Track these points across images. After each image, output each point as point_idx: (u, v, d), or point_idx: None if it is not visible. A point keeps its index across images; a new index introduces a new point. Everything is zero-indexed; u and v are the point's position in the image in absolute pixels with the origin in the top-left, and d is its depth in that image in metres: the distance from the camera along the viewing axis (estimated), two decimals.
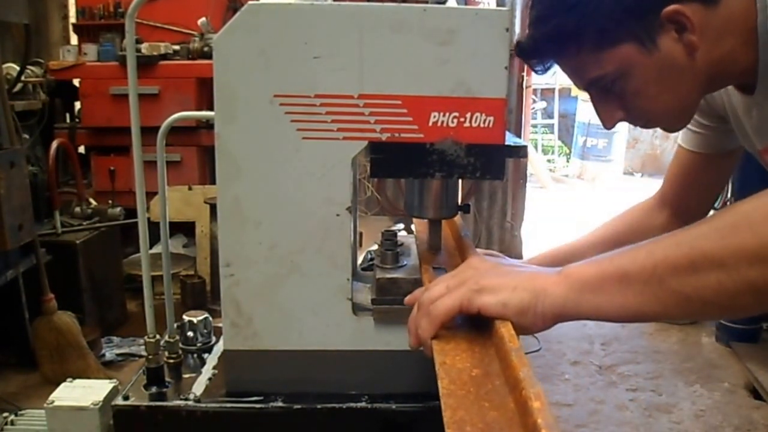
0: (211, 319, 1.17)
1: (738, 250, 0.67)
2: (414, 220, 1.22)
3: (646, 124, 1.06)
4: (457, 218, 1.15)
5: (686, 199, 1.30)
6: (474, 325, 0.79)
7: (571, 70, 1.02)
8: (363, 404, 0.95)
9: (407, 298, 0.90)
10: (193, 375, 1.05)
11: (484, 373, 0.70)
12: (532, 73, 4.62)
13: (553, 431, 0.55)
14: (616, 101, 1.01)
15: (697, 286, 0.68)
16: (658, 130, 1.37)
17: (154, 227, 1.07)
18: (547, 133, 10.02)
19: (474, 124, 0.89)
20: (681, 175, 1.30)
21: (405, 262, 1.01)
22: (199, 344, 1.14)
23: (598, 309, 0.73)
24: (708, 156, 1.24)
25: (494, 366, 0.71)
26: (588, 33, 0.94)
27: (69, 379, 1.10)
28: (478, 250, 1.03)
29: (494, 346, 0.75)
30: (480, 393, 0.67)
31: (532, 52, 1.01)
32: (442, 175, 0.90)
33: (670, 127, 1.09)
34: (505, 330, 0.73)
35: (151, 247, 1.05)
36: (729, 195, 3.77)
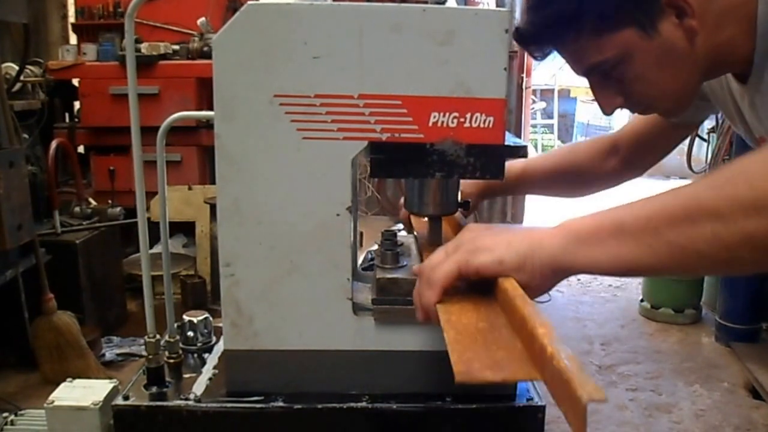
0: (211, 318, 1.17)
1: (734, 200, 0.66)
2: (412, 218, 1.22)
3: (646, 110, 1.06)
4: (457, 215, 1.15)
5: (638, 155, 1.35)
6: (479, 291, 0.79)
7: (570, 56, 1.01)
8: (363, 404, 0.95)
9: (414, 268, 0.89)
10: (194, 375, 1.05)
11: (491, 326, 0.70)
12: (532, 74, 4.63)
13: (559, 344, 0.55)
14: (615, 87, 1.01)
15: (692, 237, 0.68)
16: None
17: (154, 227, 1.07)
18: (546, 133, 10.03)
19: (474, 125, 0.89)
20: (641, 134, 1.33)
21: (405, 262, 1.01)
22: (199, 344, 1.14)
23: (593, 260, 0.72)
24: (673, 124, 1.27)
25: (500, 320, 0.71)
26: (588, 18, 0.93)
27: (69, 379, 1.10)
28: None
29: (499, 303, 0.74)
30: (487, 339, 0.66)
31: (531, 38, 1.00)
32: (442, 175, 0.90)
33: (670, 112, 1.09)
34: (508, 283, 0.73)
35: (151, 247, 1.05)
36: None
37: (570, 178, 1.43)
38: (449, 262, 0.78)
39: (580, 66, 1.01)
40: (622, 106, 1.04)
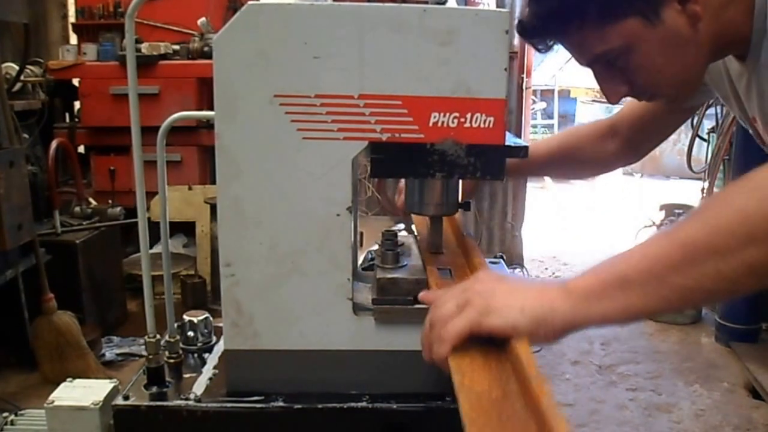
0: (211, 318, 1.17)
1: (729, 234, 0.69)
2: (414, 217, 1.22)
3: (652, 97, 1.06)
4: (458, 215, 1.15)
5: (637, 137, 1.35)
6: (488, 340, 0.80)
7: (574, 47, 1.01)
8: (363, 404, 0.95)
9: (422, 296, 0.91)
10: (194, 375, 1.05)
11: (503, 395, 0.71)
12: (532, 74, 4.62)
13: None
14: (620, 76, 1.00)
15: (697, 277, 0.70)
16: None
17: (154, 227, 1.07)
18: (547, 133, 10.02)
19: (474, 125, 0.89)
20: (639, 116, 1.32)
21: (405, 262, 1.01)
22: (199, 344, 1.14)
23: (605, 315, 0.75)
24: (671, 107, 1.26)
25: (512, 385, 0.73)
26: (591, 8, 0.93)
27: (69, 379, 1.09)
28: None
29: (510, 363, 0.76)
30: (501, 417, 0.68)
31: (535, 30, 0.99)
32: (442, 175, 0.90)
33: (676, 99, 1.09)
34: (522, 348, 0.74)
35: (151, 247, 1.05)
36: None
37: (571, 161, 1.44)
38: (461, 321, 0.79)
39: (584, 57, 1.01)
40: (627, 95, 1.04)
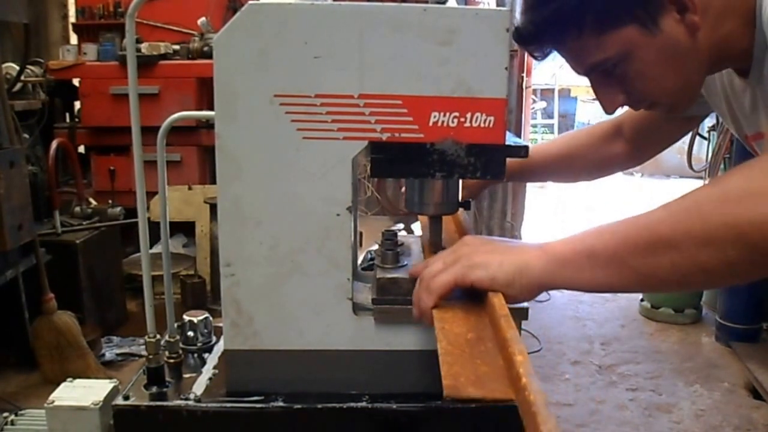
0: (211, 318, 1.17)
1: (688, 233, 0.73)
2: (420, 216, 1.22)
3: (649, 107, 1.06)
4: (461, 213, 1.15)
5: (641, 140, 1.36)
6: (471, 297, 0.87)
7: (571, 55, 1.00)
8: (363, 404, 0.95)
9: (411, 270, 0.95)
10: (194, 375, 1.05)
11: (478, 337, 0.79)
12: (532, 74, 4.63)
13: (532, 377, 0.63)
14: (617, 85, 1.00)
15: (653, 266, 0.75)
16: None
17: (154, 227, 1.07)
18: (547, 133, 10.03)
19: (474, 124, 0.89)
20: (643, 120, 1.33)
21: (405, 262, 1.01)
22: (199, 344, 1.14)
23: (571, 281, 0.81)
24: (672, 118, 1.27)
25: (487, 331, 0.80)
26: (589, 16, 0.92)
27: (69, 379, 1.09)
28: None
29: (487, 315, 0.84)
30: (474, 353, 0.75)
31: (531, 37, 0.99)
32: (442, 175, 0.90)
33: (673, 109, 1.08)
34: (497, 300, 0.82)
35: (151, 247, 1.05)
36: None
37: (572, 164, 1.44)
38: (447, 274, 0.85)
39: (581, 65, 1.01)
40: (624, 104, 1.04)
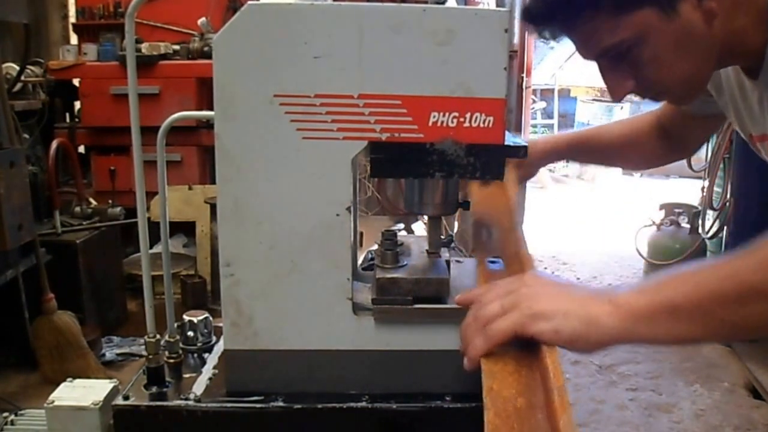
0: (211, 318, 1.17)
1: None
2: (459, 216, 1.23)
3: (657, 96, 1.04)
4: (512, 180, 1.14)
5: (678, 134, 1.37)
6: (522, 342, 0.81)
7: (582, 38, 0.97)
8: (363, 404, 0.95)
9: (459, 298, 0.91)
10: (194, 375, 1.05)
11: (528, 404, 0.73)
12: (532, 74, 4.62)
13: None
14: (627, 70, 0.97)
15: (744, 316, 0.74)
16: None
17: (154, 227, 1.07)
18: (546, 133, 10.03)
19: (474, 124, 0.89)
20: (675, 116, 1.34)
21: (405, 262, 1.01)
22: (199, 344, 1.14)
23: (650, 338, 0.78)
24: (694, 115, 1.28)
25: (538, 396, 0.75)
26: None
27: (69, 379, 1.10)
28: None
29: (540, 373, 0.78)
30: (523, 428, 0.70)
31: (543, 17, 0.96)
32: (442, 175, 0.90)
33: (680, 99, 1.07)
34: (551, 361, 0.76)
35: (151, 247, 1.05)
36: (728, 195, 3.78)
37: (635, 150, 1.46)
38: (507, 321, 0.80)
39: (591, 49, 0.97)
40: (632, 91, 1.01)
